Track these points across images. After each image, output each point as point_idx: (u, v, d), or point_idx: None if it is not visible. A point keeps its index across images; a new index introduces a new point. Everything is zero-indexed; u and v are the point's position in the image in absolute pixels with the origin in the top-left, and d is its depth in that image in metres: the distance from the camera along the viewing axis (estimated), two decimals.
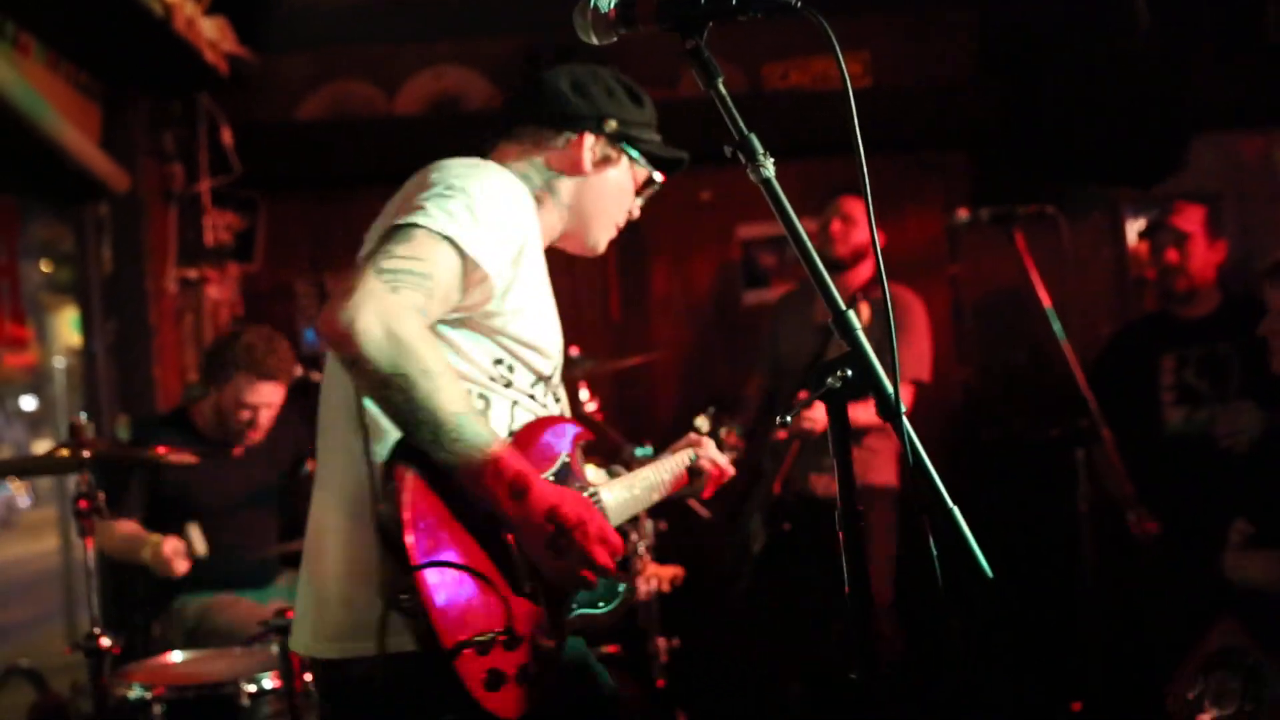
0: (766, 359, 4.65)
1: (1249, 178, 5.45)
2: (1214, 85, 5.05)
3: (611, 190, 2.21)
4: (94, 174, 4.33)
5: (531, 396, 2.07)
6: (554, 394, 2.16)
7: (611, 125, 2.17)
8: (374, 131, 5.24)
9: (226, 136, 4.86)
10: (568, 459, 2.08)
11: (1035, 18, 5.10)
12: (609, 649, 3.78)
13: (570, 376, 4.31)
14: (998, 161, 5.32)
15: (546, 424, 2.08)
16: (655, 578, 3.91)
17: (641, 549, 3.89)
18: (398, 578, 1.76)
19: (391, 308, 1.74)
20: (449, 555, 1.81)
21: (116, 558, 3.75)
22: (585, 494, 2.09)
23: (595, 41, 1.77)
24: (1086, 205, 5.38)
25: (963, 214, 4.22)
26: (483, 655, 1.79)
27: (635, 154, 2.23)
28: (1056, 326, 4.07)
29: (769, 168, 1.67)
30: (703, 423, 2.76)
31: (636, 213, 2.32)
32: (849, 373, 1.67)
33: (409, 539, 1.76)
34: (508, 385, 2.01)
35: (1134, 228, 5.48)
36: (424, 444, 1.79)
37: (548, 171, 2.17)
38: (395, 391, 1.74)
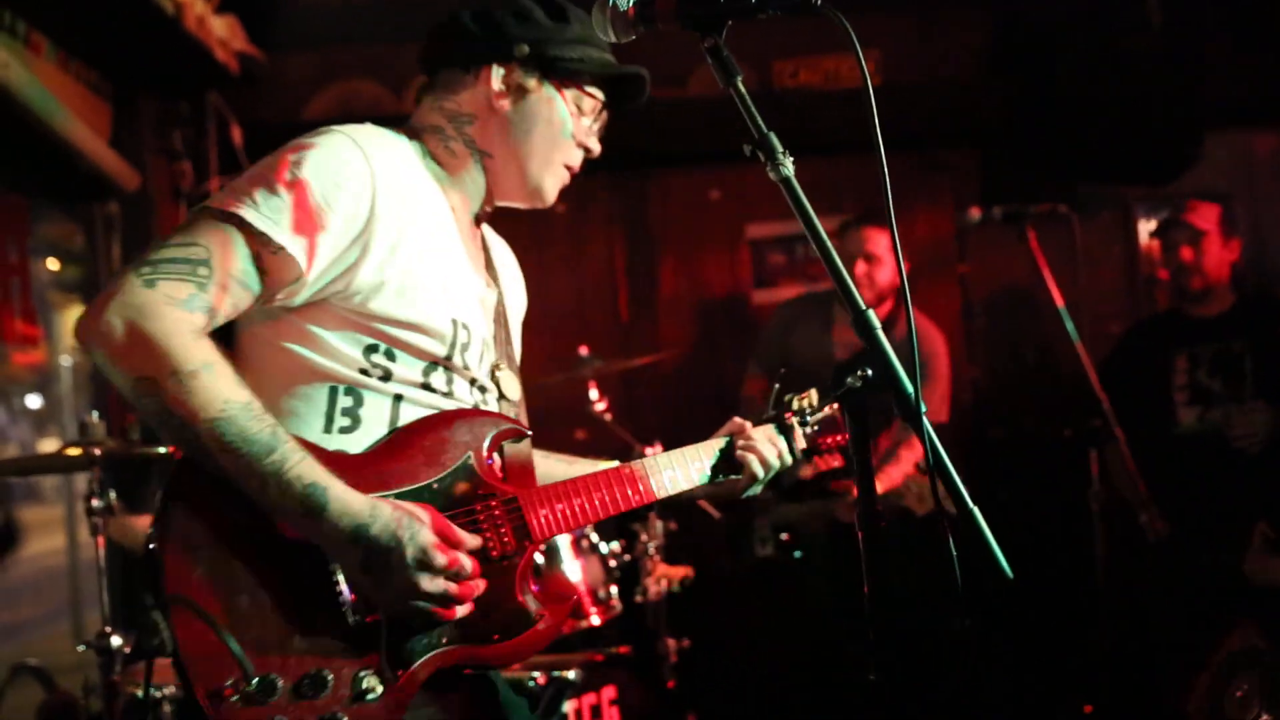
0: (771, 358, 4.60)
1: (1262, 176, 5.44)
2: (1227, 82, 5.03)
3: (539, 125, 1.94)
4: (104, 172, 4.32)
5: (426, 386, 1.82)
6: (471, 381, 1.89)
7: (522, 50, 1.91)
8: None
9: (236, 135, 4.86)
10: (471, 461, 1.79)
11: (1046, 15, 5.09)
12: (619, 650, 3.76)
13: (579, 376, 4.32)
14: (1007, 160, 5.30)
15: (445, 420, 1.81)
16: (665, 578, 3.90)
17: (651, 549, 3.88)
18: (148, 616, 1.65)
19: (142, 304, 1.58)
20: (225, 585, 1.59)
21: (138, 554, 3.77)
22: (499, 503, 1.80)
23: (613, 39, 1.76)
24: (1097, 203, 5.36)
25: (975, 213, 4.19)
26: (254, 705, 1.56)
27: (558, 77, 1.94)
28: (1069, 326, 4.05)
29: (788, 166, 1.65)
30: (806, 404, 2.21)
31: (595, 147, 2.02)
32: (869, 372, 1.66)
33: (162, 570, 1.58)
34: (386, 377, 1.78)
35: (1145, 226, 5.47)
36: (191, 455, 1.62)
37: (460, 119, 1.95)
38: (145, 397, 1.58)
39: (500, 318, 2.01)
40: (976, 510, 1.58)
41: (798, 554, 4.19)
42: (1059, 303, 4.07)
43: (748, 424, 2.17)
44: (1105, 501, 4.07)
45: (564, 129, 1.96)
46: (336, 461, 1.68)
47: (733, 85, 1.68)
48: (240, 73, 4.64)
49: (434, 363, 1.82)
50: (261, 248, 1.67)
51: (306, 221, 1.68)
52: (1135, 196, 5.48)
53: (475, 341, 1.88)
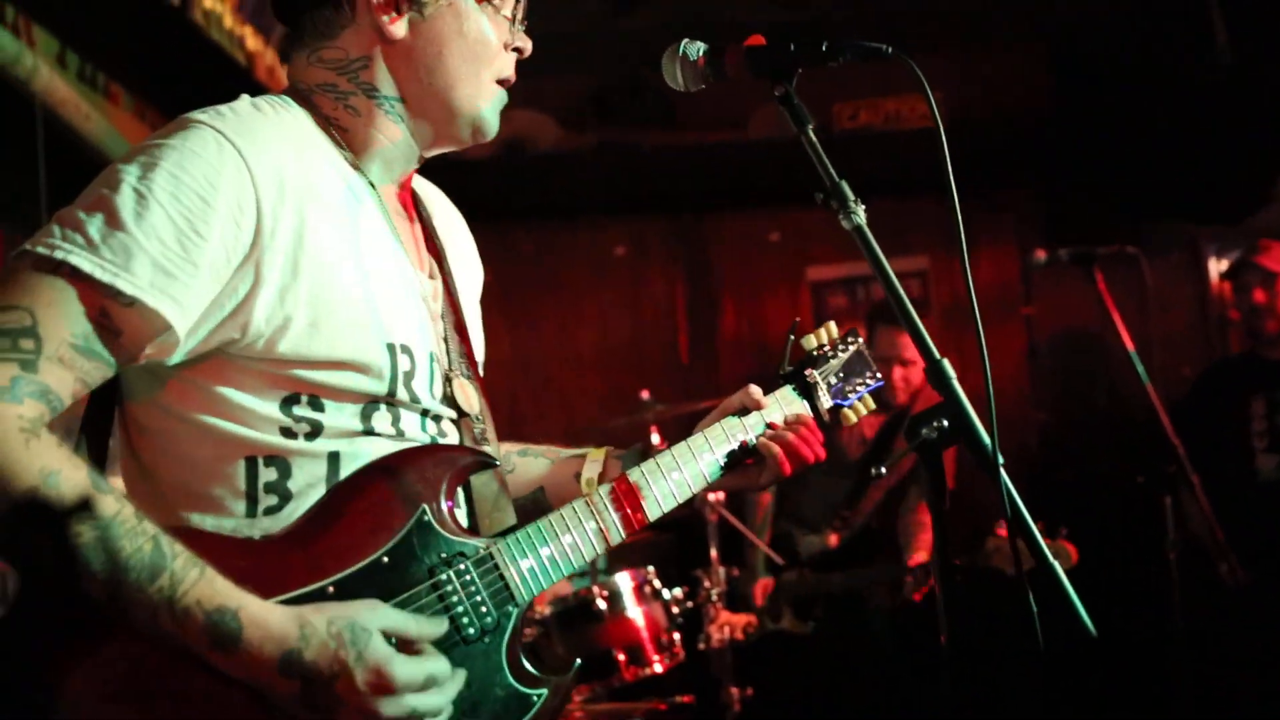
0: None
1: None
2: None
3: (451, 41, 1.54)
4: None
5: (369, 433, 1.46)
6: (423, 414, 1.52)
7: None
8: (444, 174, 5.29)
9: None
10: (427, 516, 1.44)
11: (1109, 51, 5.04)
12: (683, 699, 3.72)
13: (640, 420, 4.30)
14: (1073, 198, 5.24)
15: (387, 468, 1.44)
16: (728, 626, 3.86)
17: (715, 596, 3.84)
18: None
19: None
20: None
21: None
22: (470, 564, 1.45)
23: (683, 87, 1.74)
24: (1165, 242, 5.28)
25: (1040, 255, 4.12)
26: None
27: None
28: (1139, 369, 3.96)
29: (860, 215, 1.63)
30: (826, 344, 1.81)
31: (526, 44, 1.63)
32: (944, 423, 1.62)
33: None
34: (315, 433, 1.42)
35: (1216, 266, 5.37)
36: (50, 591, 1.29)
37: (349, 67, 1.53)
38: None
39: (449, 310, 1.63)
40: (1058, 565, 1.55)
41: (811, 626, 4.14)
42: (1129, 346, 3.98)
43: (758, 393, 1.74)
44: (1182, 550, 3.95)
45: (483, 35, 1.55)
46: (252, 552, 1.37)
47: (804, 133, 1.65)
48: None
49: (375, 402, 1.46)
50: (108, 301, 1.29)
51: (167, 258, 1.30)
52: (1205, 236, 5.39)
53: (421, 363, 1.50)
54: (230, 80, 4.14)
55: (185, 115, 1.41)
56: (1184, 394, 4.47)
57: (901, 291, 1.62)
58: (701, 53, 1.72)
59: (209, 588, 1.27)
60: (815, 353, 1.82)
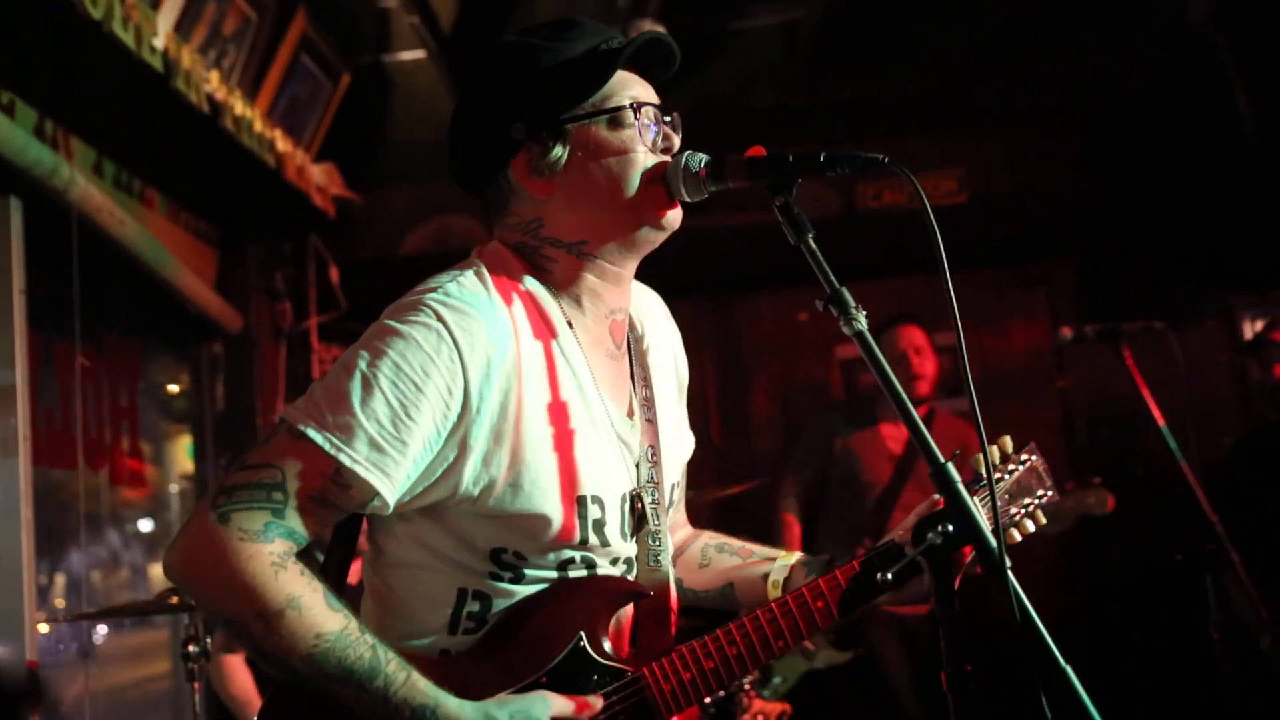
0: (811, 471, 4.56)
1: None
2: None
3: (598, 177, 1.66)
4: (209, 316, 4.52)
5: (564, 580, 1.69)
6: (613, 561, 1.73)
7: (519, 132, 1.66)
8: None
9: (334, 274, 5.05)
10: (583, 643, 1.66)
11: (1137, 121, 5.05)
12: None
13: None
14: (1105, 269, 5.22)
15: (552, 597, 1.66)
16: (761, 715, 3.79)
17: (746, 684, 3.78)
18: None
19: (215, 543, 1.49)
20: None
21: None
22: (617, 688, 1.66)
23: (686, 199, 1.77)
24: (1200, 310, 5.22)
25: (1066, 332, 4.09)
26: None
27: (575, 123, 1.66)
28: (1173, 444, 3.90)
29: (861, 321, 1.63)
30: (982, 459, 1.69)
31: (674, 140, 1.73)
32: (950, 527, 1.61)
33: None
34: (517, 579, 1.65)
35: (1253, 331, 5.30)
36: (297, 685, 1.56)
37: (529, 227, 1.71)
38: (238, 637, 1.55)
39: (646, 438, 1.79)
40: (1069, 669, 1.52)
41: (851, 655, 4.09)
42: (1160, 421, 3.93)
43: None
44: (1227, 630, 3.85)
45: (623, 158, 1.67)
46: (434, 667, 1.59)
47: (804, 242, 1.67)
48: (336, 215, 4.84)
49: (568, 550, 1.67)
50: (338, 465, 1.53)
51: (382, 436, 1.53)
52: (1241, 302, 5.33)
53: (612, 508, 1.70)
54: (260, 182, 4.25)
55: (422, 295, 1.61)
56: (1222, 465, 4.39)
57: (904, 394, 1.62)
58: (703, 164, 1.74)
59: (412, 689, 1.53)
60: (983, 474, 1.79)
